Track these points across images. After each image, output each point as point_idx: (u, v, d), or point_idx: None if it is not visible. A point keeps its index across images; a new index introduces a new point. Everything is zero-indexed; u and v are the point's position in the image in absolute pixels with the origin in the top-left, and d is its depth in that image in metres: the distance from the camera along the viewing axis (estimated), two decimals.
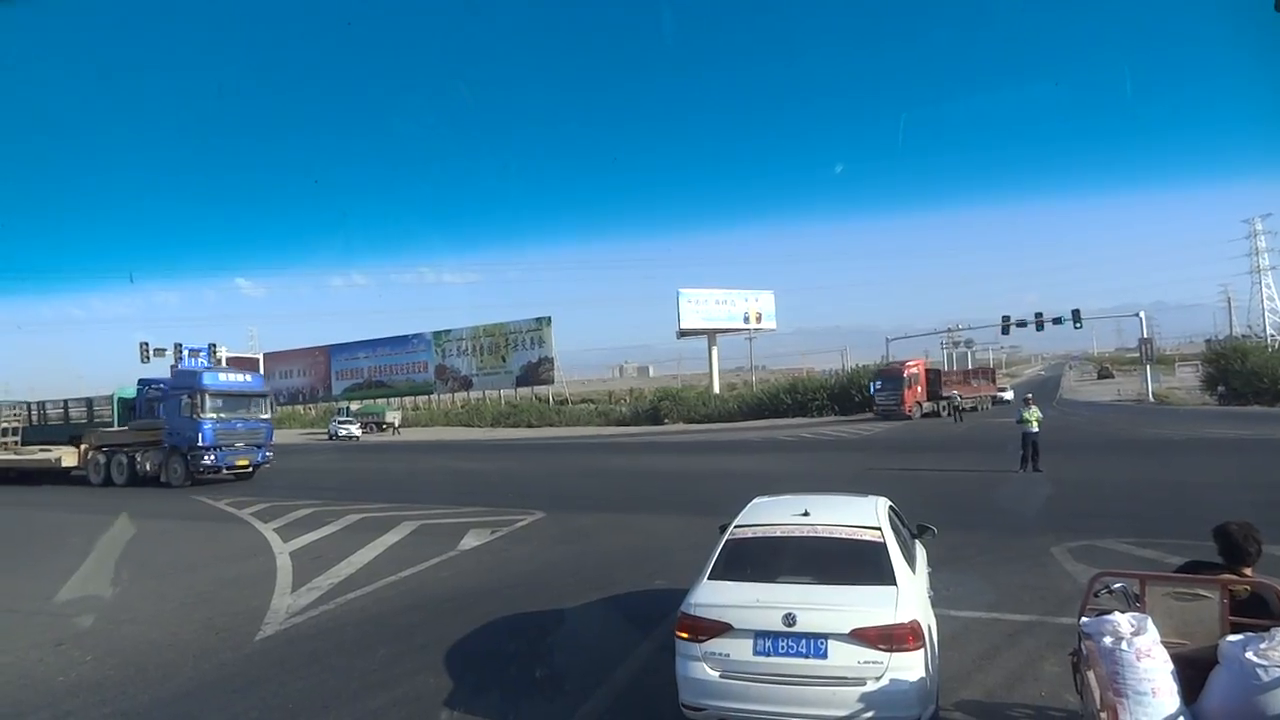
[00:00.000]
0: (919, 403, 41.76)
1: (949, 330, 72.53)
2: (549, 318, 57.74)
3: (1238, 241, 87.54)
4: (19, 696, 5.88)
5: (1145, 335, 53.19)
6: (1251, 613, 3.49)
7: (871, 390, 43.33)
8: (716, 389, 57.32)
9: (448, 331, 61.79)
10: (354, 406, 57.02)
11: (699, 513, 12.61)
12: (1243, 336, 63.72)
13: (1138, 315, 54.40)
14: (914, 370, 42.74)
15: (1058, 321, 49.25)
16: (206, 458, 20.58)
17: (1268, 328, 74.13)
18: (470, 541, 11.09)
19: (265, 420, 22.83)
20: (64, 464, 22.87)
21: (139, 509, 15.89)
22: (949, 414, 42.09)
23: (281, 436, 47.34)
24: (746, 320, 58.91)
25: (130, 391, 31.11)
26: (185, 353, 43.89)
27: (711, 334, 58.54)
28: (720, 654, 4.14)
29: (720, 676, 4.12)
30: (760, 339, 65.03)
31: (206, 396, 20.83)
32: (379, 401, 60.08)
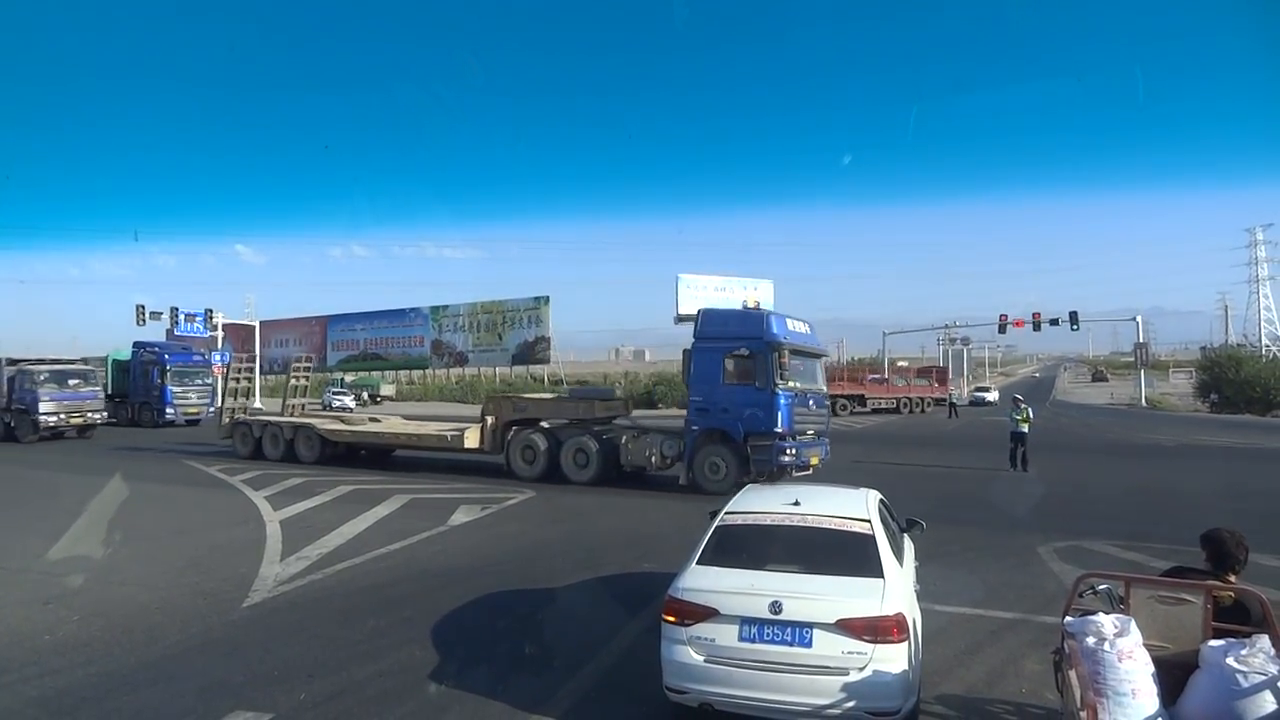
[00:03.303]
0: None
1: (945, 327, 72.32)
2: (547, 297, 57.49)
3: (1238, 250, 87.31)
4: (4, 653, 5.88)
5: (1141, 340, 53.30)
6: (1235, 619, 3.52)
7: None
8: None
9: (445, 307, 61.48)
10: (348, 378, 56.89)
11: (689, 497, 12.67)
12: (1238, 345, 63.89)
13: (1135, 320, 54.40)
14: None
15: (1055, 323, 49.15)
16: (785, 453, 12.85)
17: (1263, 338, 74.27)
18: (460, 517, 11.12)
19: (825, 394, 15.09)
20: (466, 444, 15.97)
21: (131, 471, 15.87)
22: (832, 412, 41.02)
23: (277, 406, 47.34)
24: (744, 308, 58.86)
25: (125, 354, 30.98)
26: (181, 317, 43.86)
27: None
28: (706, 639, 4.16)
29: (705, 661, 4.15)
30: None
31: (785, 355, 13.12)
32: (374, 374, 60.03)
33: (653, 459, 14.32)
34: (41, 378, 23.63)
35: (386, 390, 54.88)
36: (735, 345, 13.35)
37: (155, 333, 41.15)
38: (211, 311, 45.55)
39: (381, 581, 7.83)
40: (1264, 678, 3.10)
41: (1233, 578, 3.72)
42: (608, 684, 5.25)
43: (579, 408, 15.73)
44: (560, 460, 14.90)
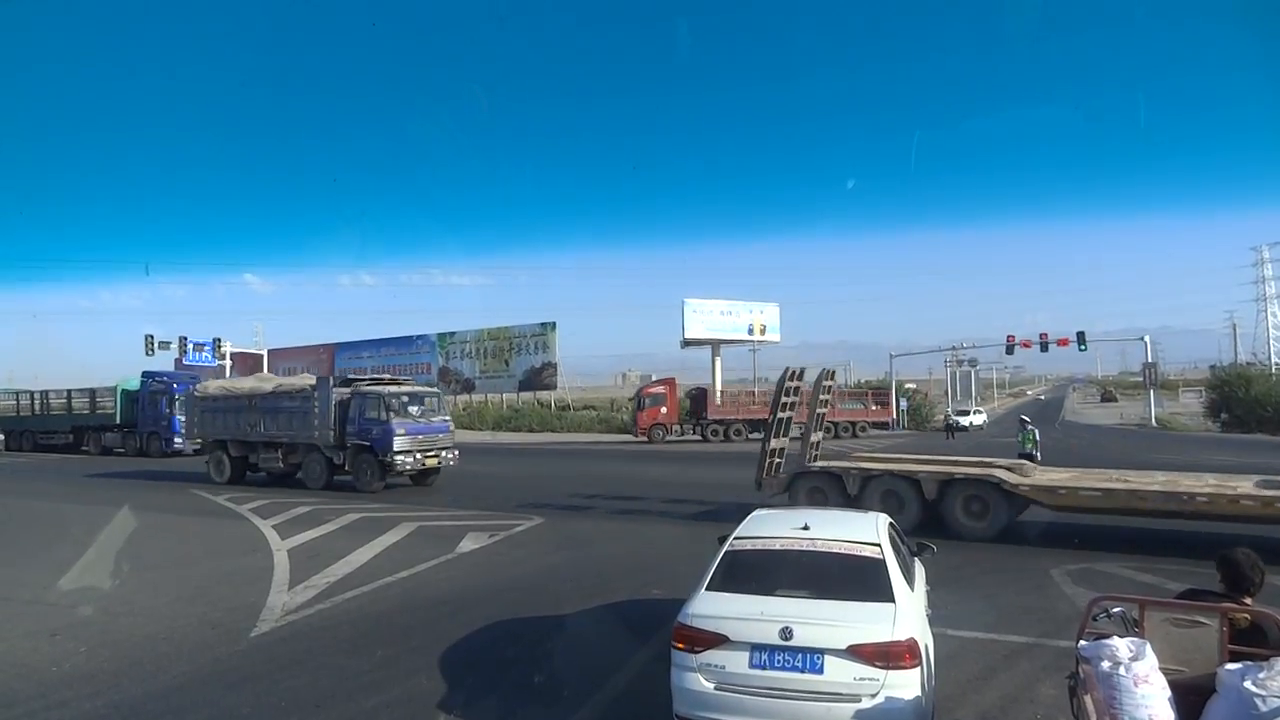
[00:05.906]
0: (662, 425, 40.47)
1: (952, 349, 72.19)
2: (554, 323, 57.81)
3: (1244, 269, 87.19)
4: (12, 685, 5.88)
5: (1150, 360, 53.03)
6: (1251, 642, 3.48)
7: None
8: (719, 400, 57.23)
9: (452, 334, 61.87)
10: None
11: (697, 523, 12.62)
12: (1247, 364, 63.47)
13: (1143, 339, 54.19)
14: (655, 392, 42.47)
15: (1062, 343, 48.83)
16: None
17: (1272, 355, 73.85)
18: (468, 545, 11.07)
19: None
20: None
21: (139, 501, 15.90)
22: (722, 438, 39.57)
23: None
24: (751, 332, 58.77)
25: (134, 384, 31.28)
26: (190, 346, 44.23)
27: (715, 345, 58.45)
28: (716, 666, 4.13)
29: (715, 688, 4.11)
30: (764, 351, 64.97)
31: None
32: None
33: None
34: (397, 404, 17.37)
35: None
36: None
37: (164, 362, 41.52)
38: (220, 341, 45.96)
39: (389, 610, 7.80)
40: None
41: (1248, 600, 3.68)
42: (617, 712, 5.21)
43: None
44: None
